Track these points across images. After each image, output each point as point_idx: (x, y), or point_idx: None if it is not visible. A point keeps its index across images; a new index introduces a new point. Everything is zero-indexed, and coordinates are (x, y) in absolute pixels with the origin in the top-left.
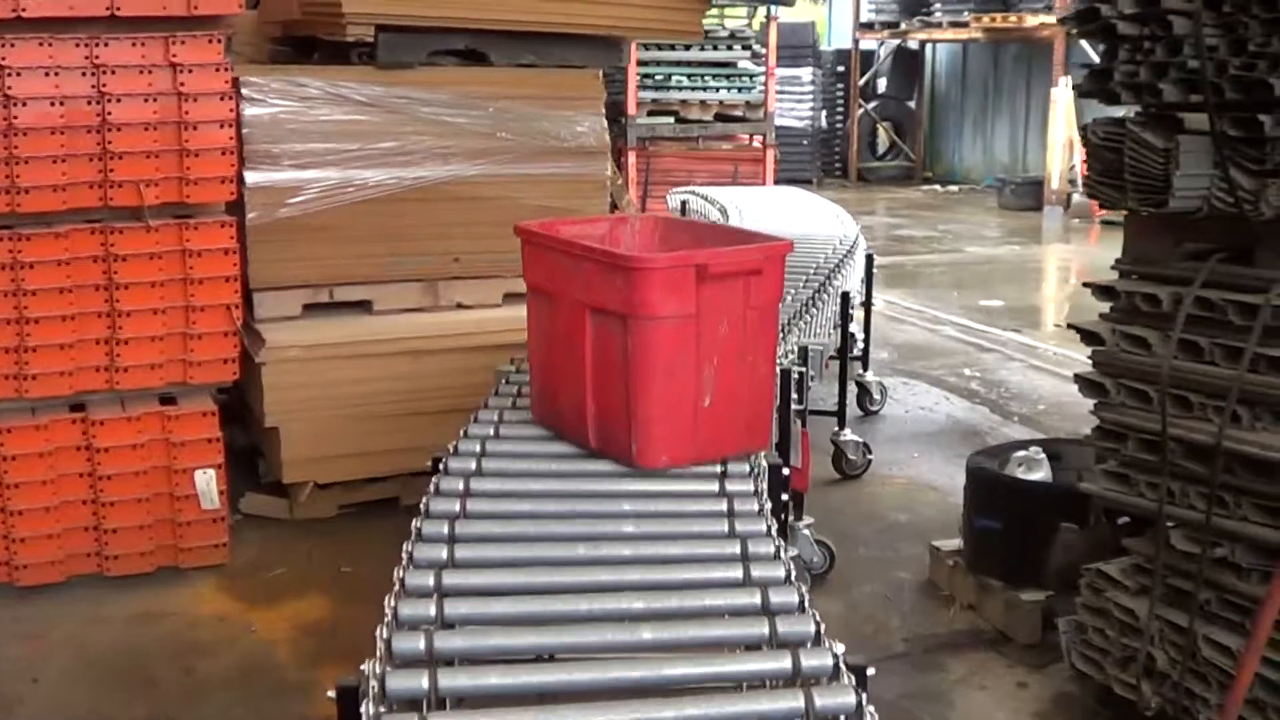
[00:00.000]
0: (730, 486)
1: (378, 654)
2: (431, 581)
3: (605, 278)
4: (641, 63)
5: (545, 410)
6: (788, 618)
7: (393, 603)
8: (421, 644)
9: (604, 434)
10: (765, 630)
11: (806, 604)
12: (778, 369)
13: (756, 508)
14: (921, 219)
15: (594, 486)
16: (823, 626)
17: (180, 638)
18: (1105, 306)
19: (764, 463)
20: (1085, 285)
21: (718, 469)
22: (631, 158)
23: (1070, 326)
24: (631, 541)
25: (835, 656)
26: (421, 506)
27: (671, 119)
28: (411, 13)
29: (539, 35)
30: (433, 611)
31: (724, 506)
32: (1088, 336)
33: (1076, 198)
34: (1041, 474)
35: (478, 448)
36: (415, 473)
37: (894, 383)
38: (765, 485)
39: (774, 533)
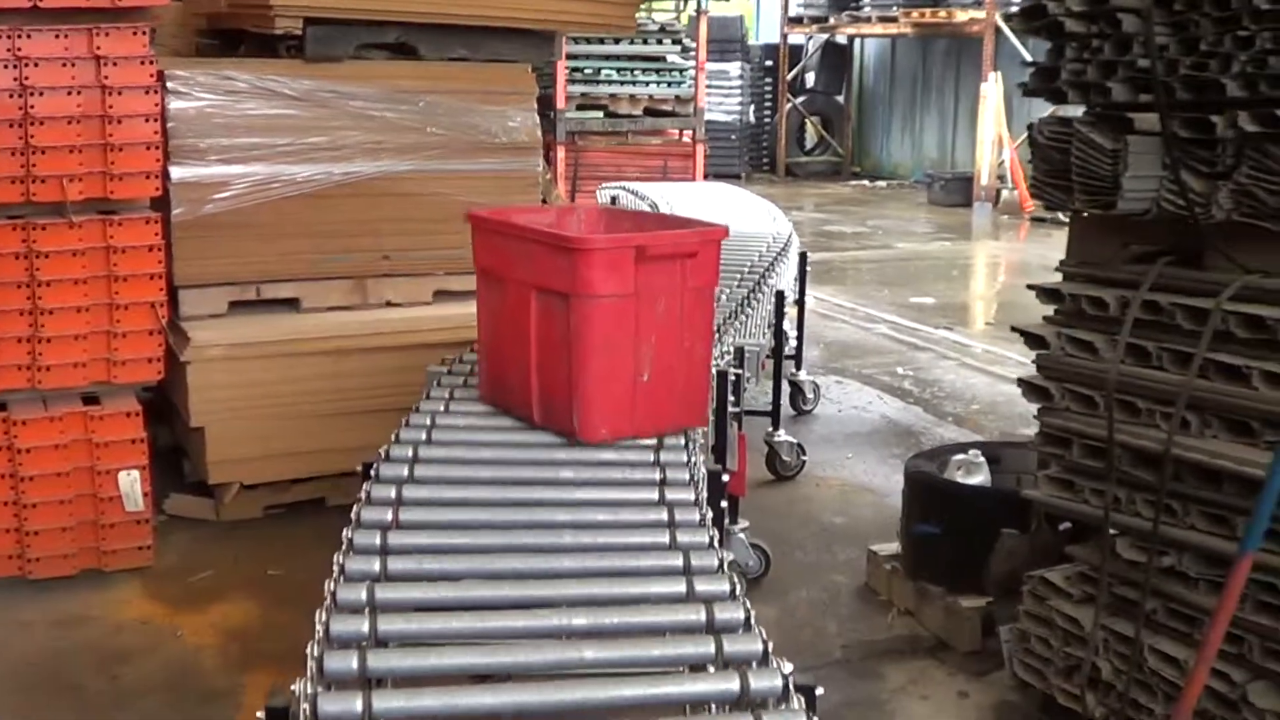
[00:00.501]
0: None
1: (308, 673)
2: (364, 596)
3: (550, 259)
4: (571, 56)
5: (493, 389)
6: (734, 636)
7: (324, 618)
8: (354, 663)
9: (547, 409)
10: (711, 649)
11: (753, 621)
12: (714, 371)
13: (698, 517)
14: (850, 214)
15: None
16: (770, 645)
17: (104, 643)
18: (1043, 306)
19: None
20: (1031, 288)
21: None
22: (561, 152)
23: (1015, 330)
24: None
25: (784, 677)
26: (353, 515)
27: (601, 113)
28: (340, 5)
29: (470, 29)
30: (365, 628)
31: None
32: (1031, 339)
33: (1006, 194)
34: (981, 478)
35: (410, 452)
36: (342, 473)
37: (827, 382)
38: (704, 493)
39: (717, 544)
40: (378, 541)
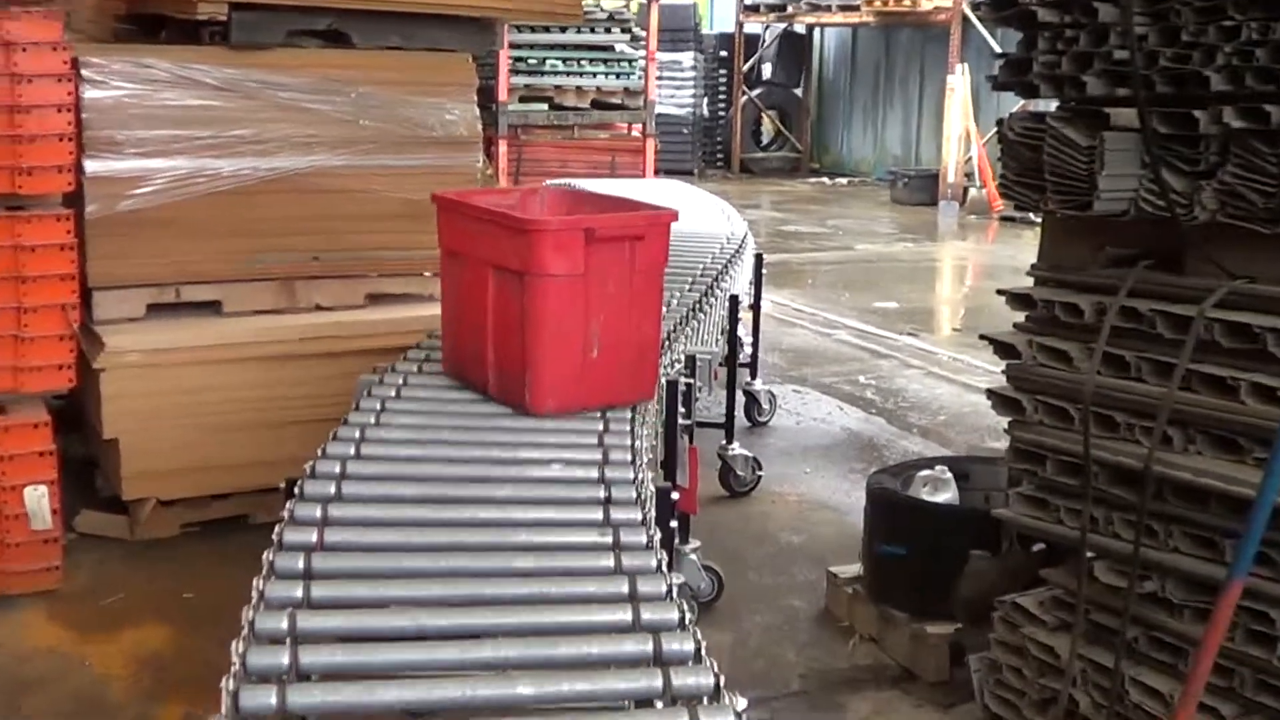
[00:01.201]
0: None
1: (223, 709)
2: (285, 625)
3: (506, 239)
4: (514, 45)
5: (453, 362)
6: (683, 669)
7: (240, 649)
8: (273, 699)
9: (502, 382)
10: (659, 683)
11: (704, 652)
12: (663, 380)
13: (644, 539)
14: (809, 213)
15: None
16: (722, 678)
17: (8, 672)
18: (1013, 313)
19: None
20: (1000, 293)
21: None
22: (502, 147)
23: (983, 338)
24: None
25: (737, 715)
26: (274, 536)
27: (545, 106)
28: None
29: (407, 15)
30: (286, 660)
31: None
32: (1001, 348)
33: (973, 192)
34: (948, 495)
35: (337, 468)
36: (267, 489)
37: (784, 391)
38: (652, 512)
39: (665, 568)
40: (301, 565)
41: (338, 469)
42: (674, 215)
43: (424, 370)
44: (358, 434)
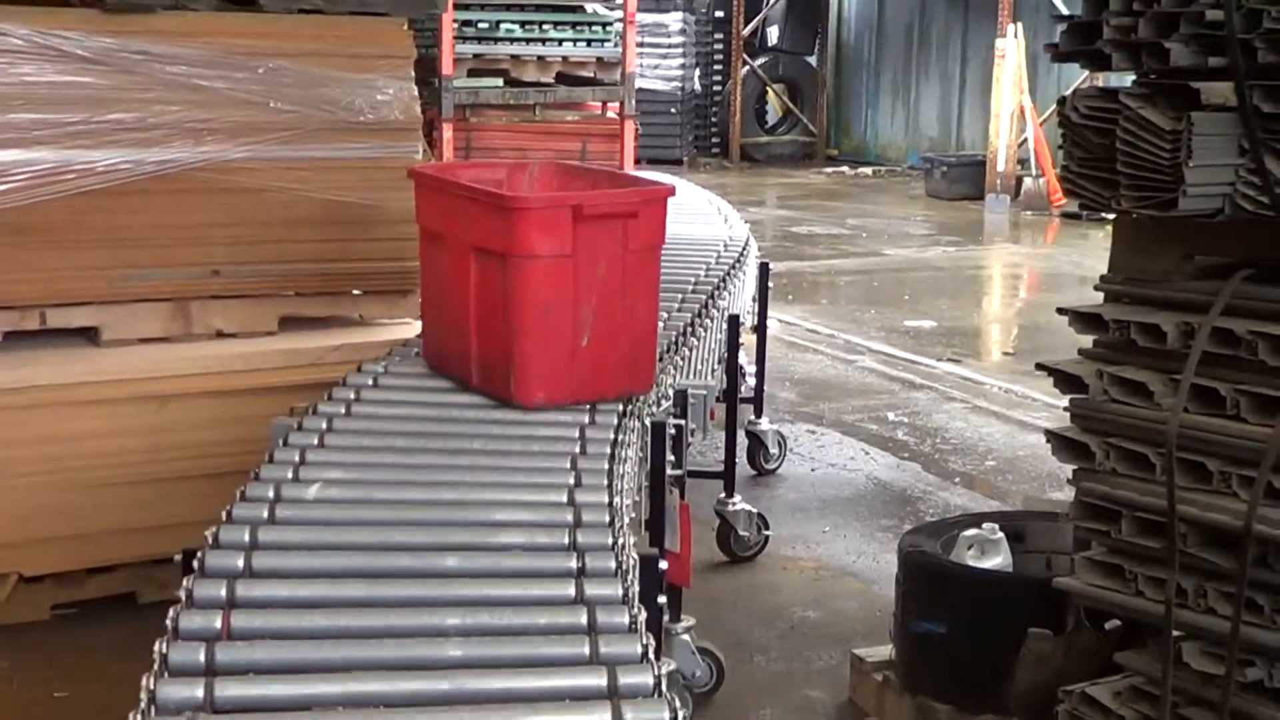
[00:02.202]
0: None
1: None
2: None
3: (487, 218)
4: (460, 7)
5: (433, 351)
6: None
7: None
8: None
9: (485, 372)
10: None
11: None
12: (646, 421)
13: (627, 620)
14: (826, 211)
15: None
16: None
17: None
18: (1082, 337)
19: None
20: (1062, 311)
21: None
22: (447, 132)
23: (1041, 367)
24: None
25: None
26: (168, 622)
27: (499, 81)
28: None
29: None
30: None
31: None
32: (1064, 380)
33: (1029, 183)
34: (999, 560)
35: (245, 536)
36: (158, 560)
37: (796, 432)
38: (635, 585)
39: (652, 655)
40: (202, 658)
41: (247, 536)
42: (670, 190)
43: (378, 384)
44: (271, 492)
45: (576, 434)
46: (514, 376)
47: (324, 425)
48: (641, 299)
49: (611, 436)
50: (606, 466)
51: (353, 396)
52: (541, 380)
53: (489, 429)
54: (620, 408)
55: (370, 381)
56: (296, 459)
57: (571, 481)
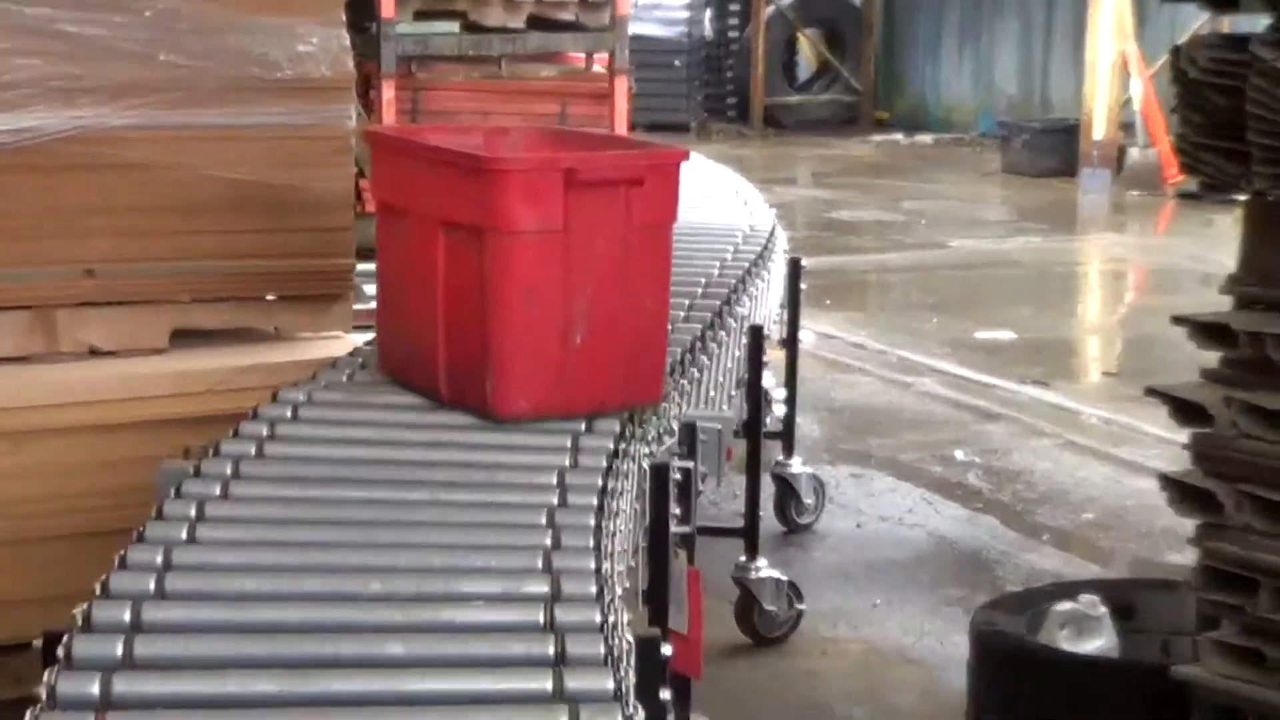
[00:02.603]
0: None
1: None
2: None
3: (460, 185)
4: None
5: (394, 358)
6: None
7: None
8: None
9: (456, 379)
10: None
11: None
12: (644, 465)
13: None
14: (874, 191)
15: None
16: None
17: None
18: (1205, 353)
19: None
20: (1179, 320)
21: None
22: (387, 91)
23: (1152, 392)
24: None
25: None
26: None
27: (455, 26)
28: None
29: None
30: None
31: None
32: (1182, 409)
33: (1135, 154)
34: (1101, 642)
35: (126, 615)
36: (11, 645)
37: (837, 476)
38: (631, 676)
39: None
40: None
41: (127, 615)
42: (684, 153)
43: (299, 416)
44: (159, 557)
45: (558, 467)
46: (491, 381)
47: (228, 470)
48: (648, 287)
49: (599, 480)
50: (593, 522)
51: (265, 432)
52: (524, 385)
53: (441, 471)
54: (617, 428)
55: (288, 413)
56: (192, 514)
57: (548, 542)
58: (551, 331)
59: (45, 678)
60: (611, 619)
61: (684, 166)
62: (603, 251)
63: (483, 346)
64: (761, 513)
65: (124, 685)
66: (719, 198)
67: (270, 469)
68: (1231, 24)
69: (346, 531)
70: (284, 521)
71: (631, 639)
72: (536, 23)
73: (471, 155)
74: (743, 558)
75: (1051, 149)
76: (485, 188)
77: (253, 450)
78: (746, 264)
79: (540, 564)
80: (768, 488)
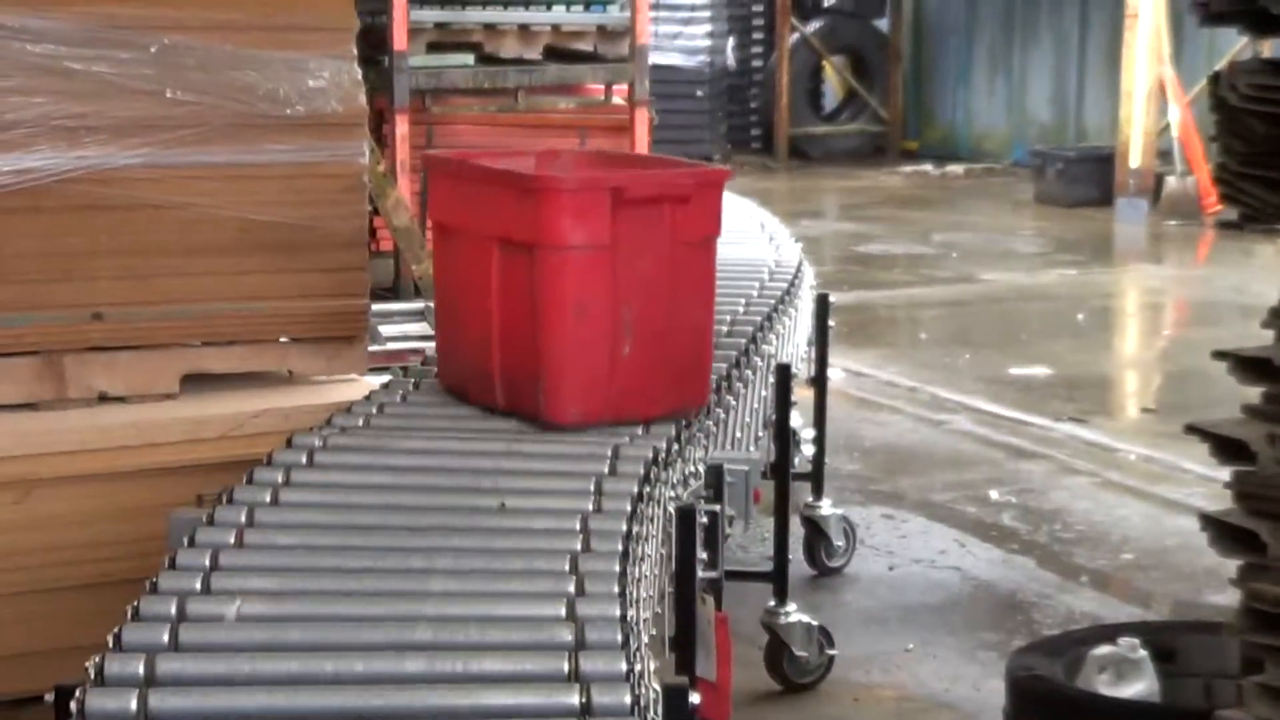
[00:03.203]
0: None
1: None
2: None
3: (512, 205)
4: None
5: (452, 371)
6: None
7: None
8: None
9: (511, 388)
10: None
11: None
12: (670, 508)
13: None
14: (903, 224)
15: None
16: None
17: None
18: (1247, 389)
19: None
20: (1219, 355)
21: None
22: (401, 126)
23: (1192, 430)
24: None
25: None
26: None
27: (470, 58)
28: None
29: None
30: None
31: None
32: (1224, 446)
33: (1172, 183)
34: (1141, 686)
35: (140, 669)
36: (22, 699)
37: (868, 517)
38: None
39: None
40: None
41: (141, 669)
42: (727, 172)
43: (314, 462)
44: (173, 608)
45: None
46: (543, 389)
47: (242, 518)
48: (694, 300)
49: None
50: (618, 568)
51: (280, 479)
52: (575, 395)
53: (458, 517)
54: (649, 454)
55: (303, 459)
56: (206, 563)
57: (571, 588)
58: (601, 343)
59: None
60: (638, 667)
61: None
62: (649, 266)
63: (535, 358)
64: (791, 556)
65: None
66: (744, 232)
67: (284, 516)
68: (1273, 48)
69: (363, 579)
70: (300, 570)
71: (659, 687)
72: (553, 54)
73: (523, 175)
74: (772, 602)
75: (1086, 178)
76: (536, 206)
77: (267, 498)
78: (773, 301)
79: (563, 613)
80: (797, 530)
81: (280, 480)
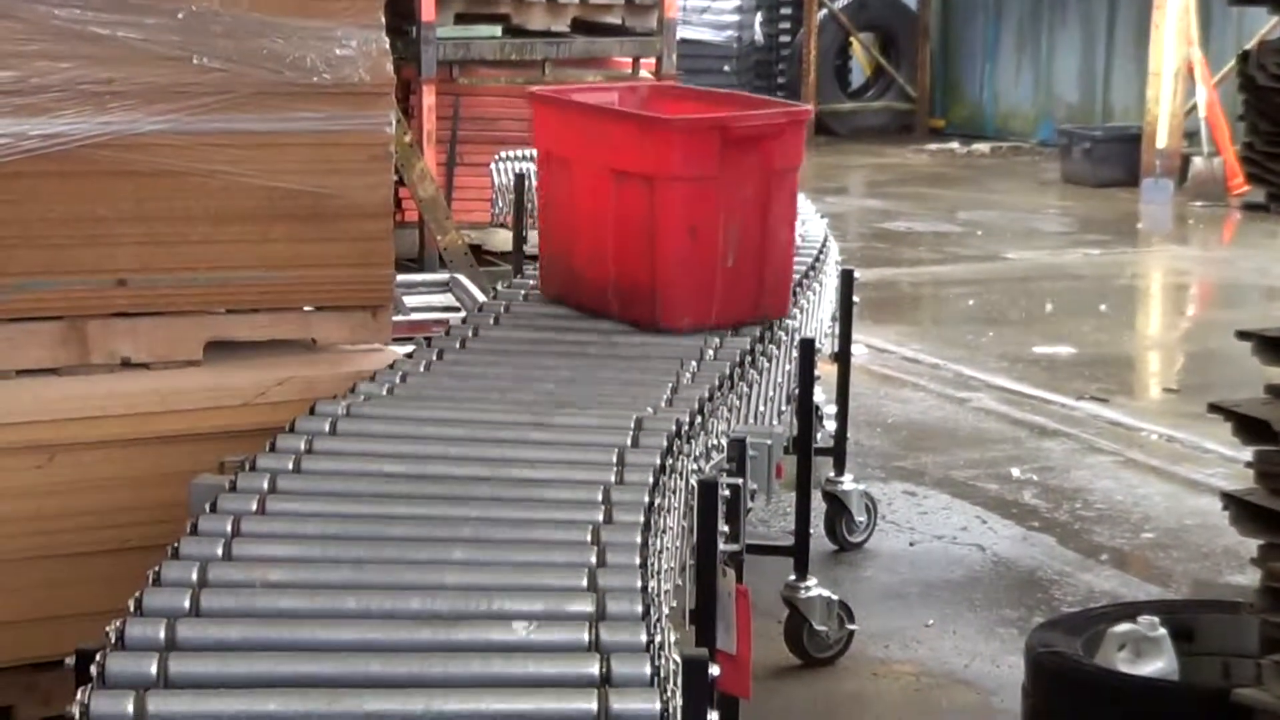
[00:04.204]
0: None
1: None
2: None
3: (630, 139)
4: None
5: (558, 283)
6: None
7: None
8: None
9: (624, 298)
10: None
11: None
12: (693, 480)
13: None
14: (929, 201)
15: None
16: None
17: None
18: (1270, 368)
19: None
20: (1243, 336)
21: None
22: (428, 96)
23: (1215, 409)
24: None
25: None
26: None
27: (497, 29)
28: None
29: None
30: None
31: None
32: (1246, 426)
33: (1199, 163)
34: (1160, 664)
35: (161, 633)
36: (42, 663)
37: (889, 493)
38: (678, 699)
39: None
40: None
41: (162, 633)
42: (809, 111)
43: (336, 430)
44: (194, 574)
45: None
46: (659, 300)
47: (265, 485)
48: (782, 221)
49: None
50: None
51: (303, 447)
52: (687, 303)
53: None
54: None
55: (326, 427)
56: (228, 530)
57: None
58: (708, 259)
59: (78, 696)
60: (658, 638)
61: None
62: (748, 193)
63: (651, 273)
64: (812, 531)
65: (158, 704)
66: None
67: (306, 484)
68: None
69: (385, 548)
70: (321, 537)
71: (678, 658)
72: (581, 26)
73: (645, 116)
74: (792, 576)
75: (1113, 158)
76: (656, 142)
77: (289, 465)
78: (797, 276)
79: (584, 583)
80: (818, 505)
81: (303, 448)
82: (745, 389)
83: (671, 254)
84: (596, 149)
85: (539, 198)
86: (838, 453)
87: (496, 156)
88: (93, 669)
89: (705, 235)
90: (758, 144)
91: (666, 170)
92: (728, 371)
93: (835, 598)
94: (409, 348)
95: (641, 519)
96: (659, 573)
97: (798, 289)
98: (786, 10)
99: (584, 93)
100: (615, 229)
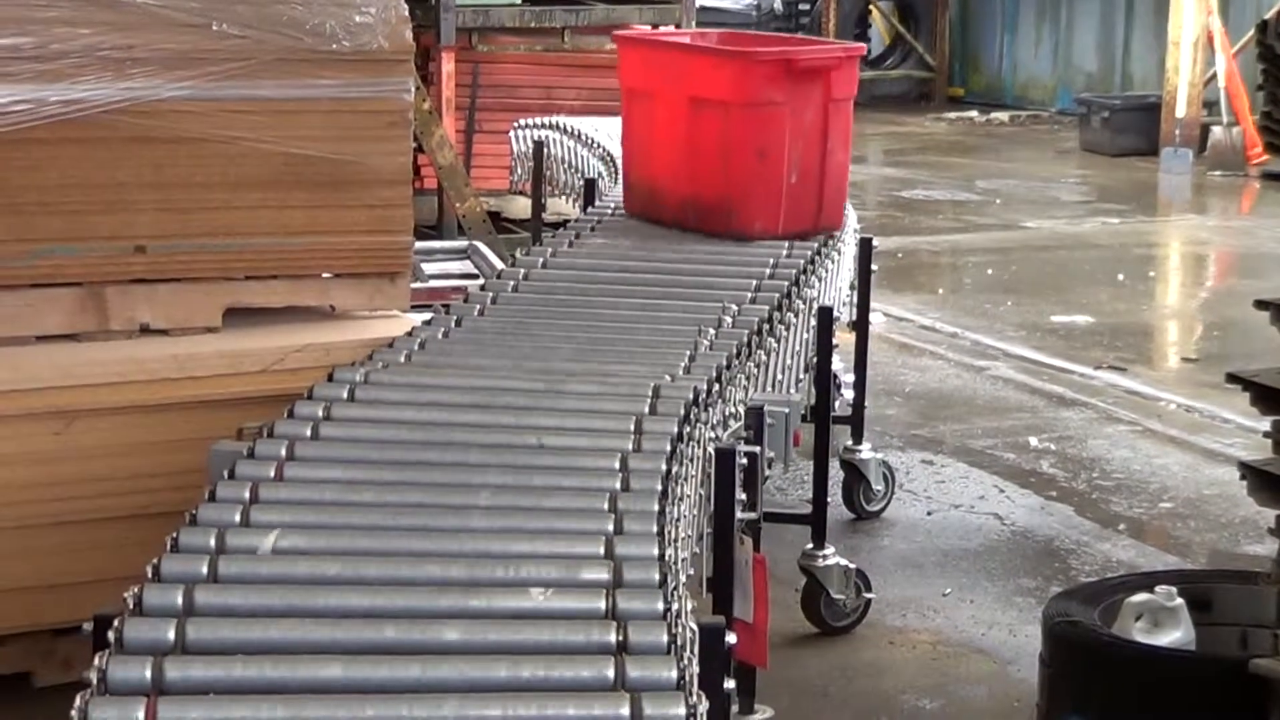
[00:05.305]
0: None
1: None
2: None
3: (710, 72)
4: None
5: (641, 202)
6: None
7: None
8: None
9: (699, 212)
10: None
11: None
12: (710, 449)
13: (683, 712)
14: (947, 170)
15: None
16: None
17: None
18: None
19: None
20: (1262, 305)
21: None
22: (447, 64)
23: (1233, 379)
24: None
25: None
26: (75, 713)
27: None
28: None
29: None
30: None
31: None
32: (1264, 396)
33: (1218, 133)
34: (1177, 634)
35: (178, 600)
36: (59, 629)
37: (907, 462)
38: (695, 666)
39: None
40: None
41: (179, 600)
42: (863, 48)
43: (355, 397)
44: (212, 540)
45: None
46: (735, 212)
47: (282, 451)
48: (839, 144)
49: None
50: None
51: (321, 414)
52: (758, 214)
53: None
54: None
55: (345, 394)
56: (246, 496)
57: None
58: (776, 177)
59: (96, 662)
60: (675, 605)
61: None
62: (810, 118)
63: (726, 189)
64: (830, 499)
65: (176, 670)
66: None
67: (324, 451)
68: None
69: (402, 515)
70: (339, 504)
71: (695, 626)
72: None
73: (724, 49)
74: (810, 545)
75: (1132, 127)
76: (733, 74)
77: (307, 431)
78: (815, 244)
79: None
80: (836, 474)
81: (320, 415)
82: (763, 356)
83: (744, 172)
84: (677, 82)
85: (624, 130)
86: (855, 421)
87: (515, 124)
88: (110, 634)
89: (772, 155)
90: (819, 75)
91: (740, 97)
92: (745, 339)
93: (852, 566)
94: (427, 315)
95: (659, 487)
96: (676, 541)
97: (815, 258)
98: None
99: (662, 37)
100: (693, 152)
